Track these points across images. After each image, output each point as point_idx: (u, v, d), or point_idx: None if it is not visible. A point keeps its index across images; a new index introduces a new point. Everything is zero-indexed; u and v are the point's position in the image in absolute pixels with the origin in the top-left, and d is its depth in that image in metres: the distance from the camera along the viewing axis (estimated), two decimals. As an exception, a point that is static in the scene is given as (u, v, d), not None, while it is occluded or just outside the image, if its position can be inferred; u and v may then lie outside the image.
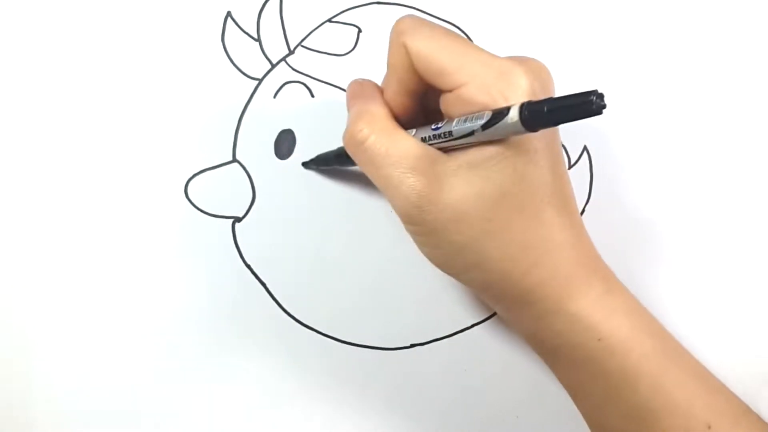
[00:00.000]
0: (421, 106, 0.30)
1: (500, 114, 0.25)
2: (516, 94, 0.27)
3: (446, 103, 0.28)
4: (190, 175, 0.36)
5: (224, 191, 0.36)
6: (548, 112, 0.24)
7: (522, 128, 0.25)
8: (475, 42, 0.36)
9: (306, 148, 0.36)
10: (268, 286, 0.36)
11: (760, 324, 0.36)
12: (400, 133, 0.29)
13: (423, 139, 0.29)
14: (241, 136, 0.36)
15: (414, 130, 0.29)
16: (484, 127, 0.26)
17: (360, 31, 0.36)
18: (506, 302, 0.31)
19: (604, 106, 0.23)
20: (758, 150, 0.37)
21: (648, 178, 0.37)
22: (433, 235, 0.29)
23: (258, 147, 0.36)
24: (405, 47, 0.28)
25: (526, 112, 0.24)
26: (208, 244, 0.36)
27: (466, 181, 0.27)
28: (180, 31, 0.36)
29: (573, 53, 0.37)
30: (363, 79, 0.32)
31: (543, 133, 0.27)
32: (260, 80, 0.36)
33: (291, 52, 0.36)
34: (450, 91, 0.28)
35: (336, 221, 0.36)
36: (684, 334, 0.33)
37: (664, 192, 0.37)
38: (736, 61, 0.37)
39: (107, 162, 0.36)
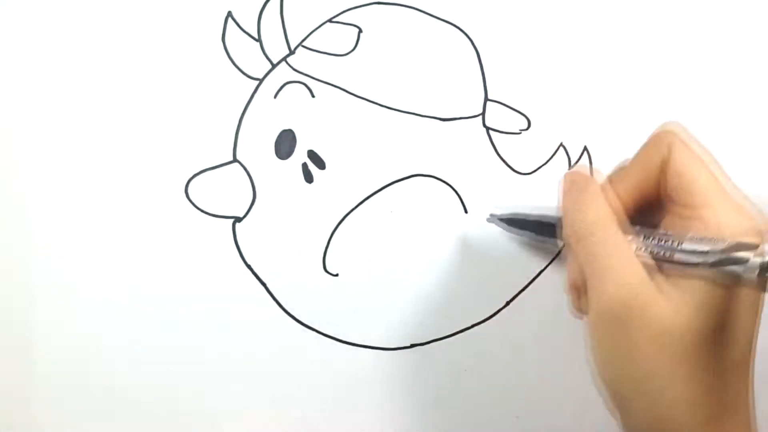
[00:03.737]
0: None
1: (745, 246, 0.26)
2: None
3: (674, 220, 0.29)
4: (191, 175, 0.36)
5: (224, 191, 0.36)
6: None
7: (755, 280, 0.26)
8: (476, 43, 0.36)
9: (306, 148, 0.36)
10: (268, 286, 0.36)
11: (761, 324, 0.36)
12: (624, 239, 0.28)
13: (643, 239, 0.28)
14: (241, 136, 0.36)
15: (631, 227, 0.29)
16: (718, 258, 0.26)
17: (360, 31, 0.36)
18: None
19: None
20: (758, 150, 0.37)
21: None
22: (614, 347, 0.28)
23: (258, 147, 0.36)
24: (669, 148, 0.28)
25: None
26: (208, 244, 0.36)
27: (680, 312, 0.27)
28: (180, 31, 0.36)
29: (574, 52, 0.37)
30: (581, 173, 0.32)
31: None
32: (261, 80, 0.36)
33: (291, 52, 0.36)
34: (687, 207, 0.28)
35: (336, 221, 0.36)
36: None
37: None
38: (736, 61, 0.37)
39: (108, 162, 0.36)
